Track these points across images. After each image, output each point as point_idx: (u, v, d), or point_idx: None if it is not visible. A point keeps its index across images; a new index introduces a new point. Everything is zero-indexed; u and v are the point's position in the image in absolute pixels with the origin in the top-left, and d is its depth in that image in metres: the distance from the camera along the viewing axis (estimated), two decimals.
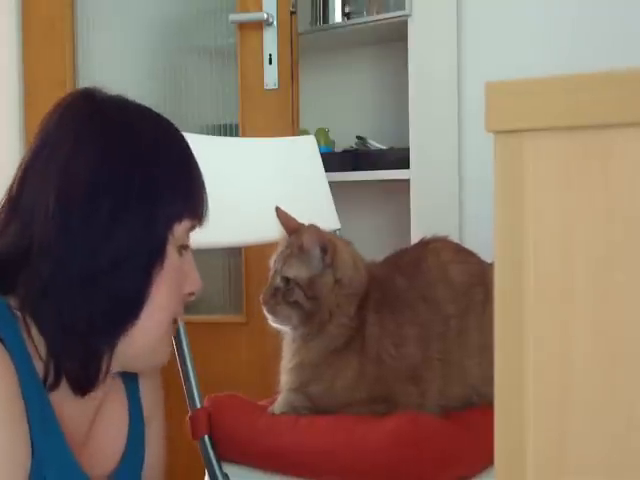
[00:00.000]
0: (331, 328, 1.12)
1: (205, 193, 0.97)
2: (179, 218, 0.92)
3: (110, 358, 0.90)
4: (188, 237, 0.96)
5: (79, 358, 0.88)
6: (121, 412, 1.02)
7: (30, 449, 0.83)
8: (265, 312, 1.14)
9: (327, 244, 1.13)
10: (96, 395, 0.94)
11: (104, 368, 0.90)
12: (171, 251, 0.92)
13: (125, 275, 0.87)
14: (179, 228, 0.92)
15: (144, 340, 0.92)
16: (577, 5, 2.01)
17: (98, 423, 0.98)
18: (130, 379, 1.04)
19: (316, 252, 1.13)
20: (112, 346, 0.90)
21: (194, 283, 0.97)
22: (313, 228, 1.13)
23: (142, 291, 0.89)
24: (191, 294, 0.98)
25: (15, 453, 0.81)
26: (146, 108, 0.96)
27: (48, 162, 0.88)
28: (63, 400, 0.90)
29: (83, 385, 0.90)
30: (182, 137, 0.97)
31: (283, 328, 1.16)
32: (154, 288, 0.90)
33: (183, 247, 0.95)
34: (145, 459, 1.06)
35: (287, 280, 1.13)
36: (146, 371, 1.03)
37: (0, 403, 0.80)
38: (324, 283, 1.12)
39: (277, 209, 1.21)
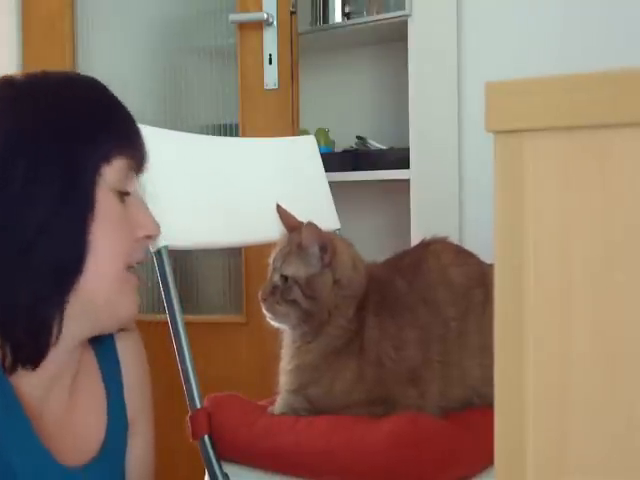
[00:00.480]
0: (329, 329, 1.12)
1: (136, 132, 0.94)
2: (105, 159, 0.89)
3: (61, 322, 0.88)
4: (129, 182, 0.93)
5: (28, 329, 0.86)
6: (97, 401, 1.01)
7: None
8: (263, 310, 1.14)
9: (326, 243, 1.13)
10: (59, 372, 0.93)
11: (55, 333, 0.87)
12: (105, 197, 0.89)
13: (57, 234, 0.85)
14: (109, 170, 0.89)
15: (96, 294, 0.89)
16: (577, 5, 2.01)
17: (72, 411, 0.97)
18: (111, 377, 1.03)
19: (315, 250, 1.12)
20: (61, 308, 0.87)
21: (147, 227, 0.95)
22: (312, 226, 1.13)
23: (78, 246, 0.86)
24: (148, 237, 0.96)
25: None
26: (64, 74, 0.95)
27: None
28: (29, 385, 0.89)
29: (33, 356, 0.88)
30: (99, 85, 0.94)
31: (282, 327, 1.16)
32: (93, 240, 0.87)
33: (124, 193, 0.92)
34: (129, 464, 1.04)
35: (286, 278, 1.13)
36: (114, 328, 0.98)
37: None
38: (323, 283, 1.12)
39: (278, 206, 1.21)
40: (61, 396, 0.96)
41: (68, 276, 0.87)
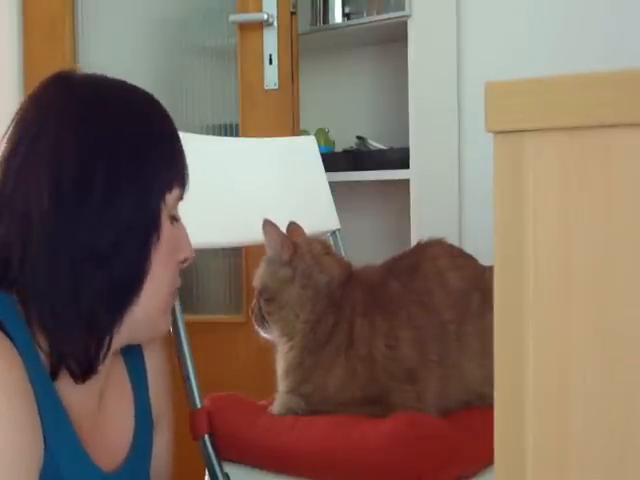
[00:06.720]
0: (300, 326, 1.15)
1: (186, 160, 0.97)
2: (169, 187, 0.92)
3: (112, 338, 0.89)
4: (176, 207, 0.96)
5: (82, 343, 0.86)
6: (125, 403, 1.01)
7: (42, 442, 0.83)
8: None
9: (285, 239, 1.16)
10: (97, 377, 0.92)
11: (105, 349, 0.89)
12: (165, 222, 0.92)
13: (125, 251, 0.87)
14: (170, 197, 0.92)
15: (146, 313, 0.91)
16: (577, 5, 2.01)
17: (102, 413, 0.97)
18: (138, 379, 1.03)
19: (277, 247, 1.16)
20: (114, 325, 0.89)
21: (186, 249, 0.97)
22: (272, 224, 1.15)
23: (143, 265, 0.89)
24: (185, 260, 0.98)
25: (26, 445, 0.80)
26: (122, 83, 0.95)
27: (32, 156, 0.87)
28: (66, 389, 0.89)
29: (85, 371, 0.88)
30: (160, 106, 0.96)
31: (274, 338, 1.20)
32: (153, 261, 0.90)
33: (174, 218, 0.95)
34: (152, 460, 1.04)
35: (260, 292, 1.18)
36: (149, 341, 1.03)
37: (10, 396, 0.79)
38: (283, 280, 1.16)
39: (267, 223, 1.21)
40: (92, 400, 0.96)
41: (127, 296, 0.89)
